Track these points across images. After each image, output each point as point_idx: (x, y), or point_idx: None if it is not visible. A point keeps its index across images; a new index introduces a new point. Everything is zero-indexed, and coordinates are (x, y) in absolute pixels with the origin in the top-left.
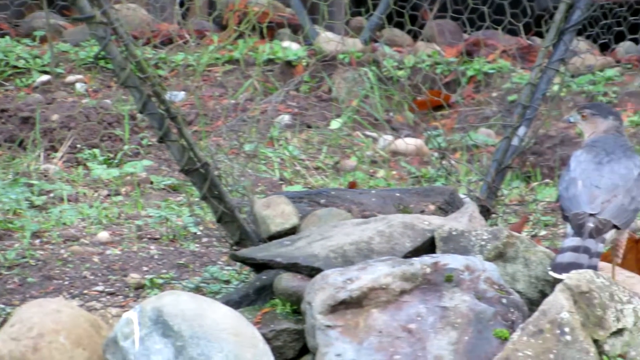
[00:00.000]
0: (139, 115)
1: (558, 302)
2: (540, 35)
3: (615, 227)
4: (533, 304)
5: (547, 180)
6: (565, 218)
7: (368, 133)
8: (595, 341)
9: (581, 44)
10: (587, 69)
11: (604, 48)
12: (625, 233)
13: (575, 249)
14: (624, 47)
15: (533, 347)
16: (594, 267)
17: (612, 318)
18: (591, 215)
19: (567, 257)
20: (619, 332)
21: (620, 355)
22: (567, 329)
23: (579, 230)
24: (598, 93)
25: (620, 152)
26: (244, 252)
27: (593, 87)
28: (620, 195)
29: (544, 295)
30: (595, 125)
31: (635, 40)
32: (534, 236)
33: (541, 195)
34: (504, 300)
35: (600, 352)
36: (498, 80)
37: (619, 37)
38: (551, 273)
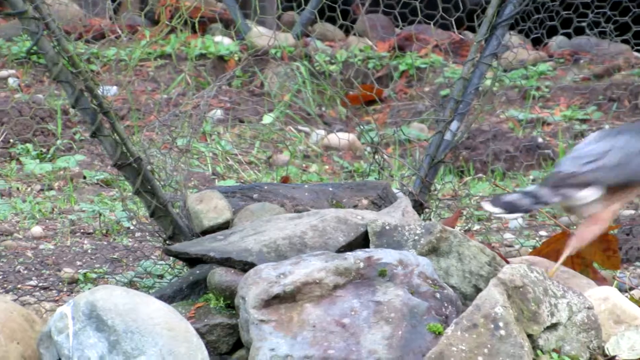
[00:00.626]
0: (71, 110)
1: (492, 296)
2: (472, 29)
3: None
4: (467, 298)
5: (480, 175)
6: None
7: (300, 128)
8: (530, 336)
9: (514, 38)
10: (519, 63)
11: (537, 42)
12: (608, 208)
13: (525, 194)
14: (557, 42)
15: (467, 342)
16: (528, 211)
17: (546, 313)
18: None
19: (510, 197)
20: (553, 326)
21: (554, 350)
22: (501, 324)
23: (545, 181)
24: (531, 87)
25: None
26: (177, 246)
27: (526, 81)
28: (606, 158)
29: (478, 289)
30: None
31: (567, 35)
32: (467, 231)
33: (474, 190)
34: (438, 295)
35: (535, 346)
36: (430, 75)
37: (552, 32)
38: (482, 204)
